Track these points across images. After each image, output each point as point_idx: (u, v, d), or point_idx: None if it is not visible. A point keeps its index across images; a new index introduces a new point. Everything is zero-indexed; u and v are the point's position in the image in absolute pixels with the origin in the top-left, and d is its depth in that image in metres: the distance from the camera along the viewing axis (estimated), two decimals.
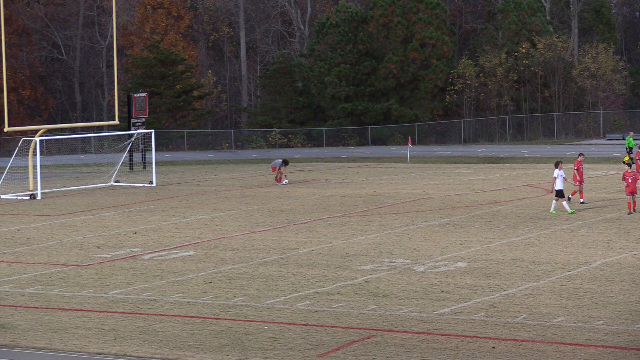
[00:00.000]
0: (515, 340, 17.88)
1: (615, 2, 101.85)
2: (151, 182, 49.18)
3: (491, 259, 25.68)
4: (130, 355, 17.57)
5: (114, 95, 53.67)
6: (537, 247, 27.36)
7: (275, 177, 48.64)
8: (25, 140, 47.77)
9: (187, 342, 18.33)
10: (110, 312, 20.90)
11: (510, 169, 53.09)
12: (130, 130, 57.90)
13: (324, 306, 20.87)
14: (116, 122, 51.69)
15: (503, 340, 17.92)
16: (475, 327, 18.86)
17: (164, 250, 28.58)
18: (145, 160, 59.71)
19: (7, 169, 46.99)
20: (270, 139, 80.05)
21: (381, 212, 35.57)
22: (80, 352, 17.92)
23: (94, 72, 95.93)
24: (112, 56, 64.08)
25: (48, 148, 64.44)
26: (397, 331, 18.73)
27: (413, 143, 66.85)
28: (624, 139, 72.17)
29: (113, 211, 38.40)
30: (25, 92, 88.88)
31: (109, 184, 49.49)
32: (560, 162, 34.29)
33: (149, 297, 22.21)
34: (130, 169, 58.14)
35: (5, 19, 48.97)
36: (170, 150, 78.78)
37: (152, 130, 53.06)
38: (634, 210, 33.14)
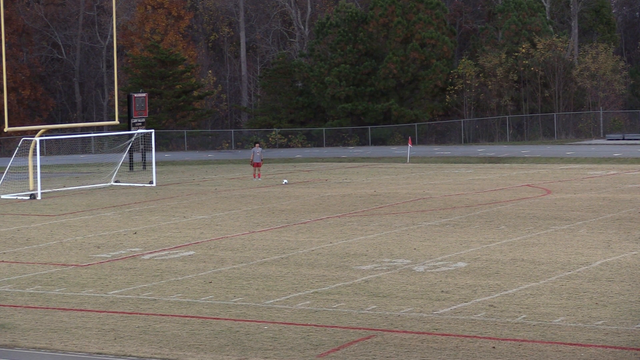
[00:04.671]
0: (515, 340, 17.88)
1: (615, 2, 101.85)
2: (151, 182, 49.19)
3: (491, 259, 25.68)
4: (130, 355, 17.56)
5: (114, 95, 53.69)
6: (537, 247, 27.36)
7: (255, 172, 49.32)
8: (25, 140, 47.77)
9: (187, 342, 18.33)
10: (110, 312, 20.89)
11: (510, 169, 53.09)
12: (130, 130, 57.90)
13: (324, 306, 20.86)
14: (116, 122, 51.69)
15: (503, 340, 17.91)
16: (475, 327, 18.86)
17: (164, 250, 28.58)
18: (145, 160, 59.72)
19: (7, 169, 46.99)
20: (270, 139, 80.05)
21: (381, 212, 35.57)
22: (80, 352, 17.91)
23: (94, 72, 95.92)
24: (112, 56, 64.11)
25: (48, 148, 64.44)
26: (397, 331, 18.73)
27: (413, 143, 66.85)
28: (624, 138, 72.28)
29: (113, 211, 38.40)
30: (25, 92, 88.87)
31: (109, 184, 49.50)
32: None
33: (149, 297, 22.21)
34: (130, 169, 58.15)
35: (5, 19, 48.96)
36: (170, 150, 78.79)
37: (152, 130, 53.07)
38: None
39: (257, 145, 51.30)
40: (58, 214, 37.91)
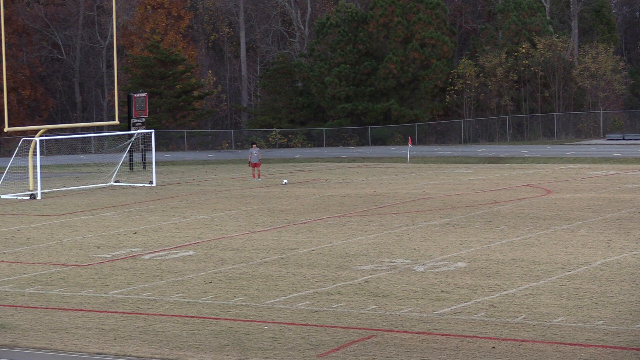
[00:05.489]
0: (515, 340, 17.88)
1: (615, 2, 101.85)
2: (151, 182, 49.19)
3: (491, 259, 25.67)
4: (130, 355, 17.56)
5: (114, 95, 53.70)
6: (537, 247, 27.36)
7: (254, 173, 49.53)
8: (25, 140, 47.77)
9: (187, 342, 18.33)
10: (110, 312, 20.89)
11: (510, 169, 53.09)
12: (130, 130, 57.90)
13: (324, 306, 20.86)
14: (116, 122, 51.68)
15: (503, 340, 17.92)
16: (475, 327, 18.86)
17: (164, 250, 28.58)
18: (145, 160, 59.72)
19: (7, 169, 46.99)
20: (270, 139, 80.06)
21: (381, 212, 35.57)
22: (80, 352, 17.91)
23: (94, 72, 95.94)
24: (112, 56, 64.11)
25: (48, 148, 64.44)
26: (397, 331, 18.73)
27: (413, 143, 66.85)
28: (624, 138, 72.28)
29: (113, 211, 38.40)
30: (25, 92, 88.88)
31: (109, 184, 49.50)
32: None
33: (149, 297, 22.21)
34: (130, 169, 58.15)
35: (5, 19, 48.96)
36: (170, 150, 78.79)
37: (152, 130, 53.06)
38: None
39: (254, 145, 51.36)
40: (58, 214, 37.91)
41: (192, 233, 31.73)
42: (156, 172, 50.27)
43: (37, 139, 46.55)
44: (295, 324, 19.41)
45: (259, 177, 49.65)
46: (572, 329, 18.52)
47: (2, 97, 72.67)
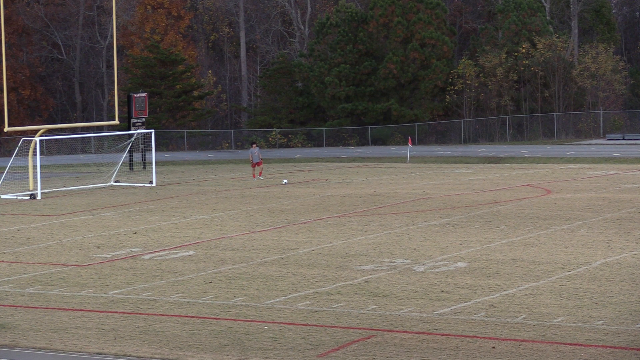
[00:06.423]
0: (515, 340, 17.88)
1: (615, 2, 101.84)
2: (151, 182, 49.20)
3: (491, 259, 25.67)
4: (130, 355, 17.57)
5: (114, 95, 53.68)
6: (537, 247, 27.36)
7: (254, 173, 49.62)
8: (25, 140, 47.77)
9: (187, 342, 18.33)
10: (110, 312, 20.90)
11: (510, 169, 53.09)
12: (130, 130, 57.90)
13: (324, 306, 20.86)
14: (116, 122, 51.67)
15: (503, 340, 17.92)
16: (475, 327, 18.87)
17: (164, 250, 28.58)
18: (145, 160, 59.72)
19: (7, 169, 47.00)
20: (270, 139, 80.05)
21: (381, 212, 35.57)
22: (80, 352, 17.92)
23: (94, 72, 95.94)
24: (112, 56, 64.10)
25: (48, 148, 64.44)
26: (397, 331, 18.74)
27: (413, 143, 66.85)
28: (624, 138, 72.27)
29: (113, 211, 38.40)
30: (25, 92, 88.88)
31: (109, 184, 49.50)
32: None
33: (149, 297, 22.21)
34: (130, 169, 58.15)
35: (5, 19, 48.96)
36: (170, 150, 78.79)
37: (152, 130, 53.06)
38: None
39: (254, 145, 51.45)
40: (58, 214, 37.91)
41: (192, 233, 31.73)
42: (156, 172, 50.28)
43: (37, 139, 46.54)
44: (295, 324, 19.41)
45: (260, 176, 49.68)
46: (572, 329, 18.52)
47: (2, 97, 72.68)
